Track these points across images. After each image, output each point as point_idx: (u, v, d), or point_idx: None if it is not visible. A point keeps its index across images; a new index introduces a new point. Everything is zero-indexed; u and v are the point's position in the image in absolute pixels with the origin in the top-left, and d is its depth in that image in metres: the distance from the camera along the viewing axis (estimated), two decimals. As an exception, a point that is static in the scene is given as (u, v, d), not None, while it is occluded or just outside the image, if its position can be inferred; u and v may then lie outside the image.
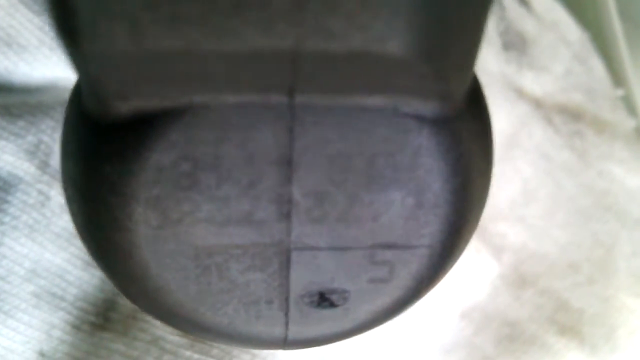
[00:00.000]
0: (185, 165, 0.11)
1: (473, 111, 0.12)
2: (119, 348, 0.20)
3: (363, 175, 0.11)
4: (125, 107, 0.10)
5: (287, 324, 0.13)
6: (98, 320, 0.21)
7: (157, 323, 0.21)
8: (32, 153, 0.21)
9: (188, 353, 0.20)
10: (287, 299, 0.13)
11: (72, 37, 0.09)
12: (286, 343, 0.13)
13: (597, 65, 0.32)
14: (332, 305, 0.13)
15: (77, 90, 0.12)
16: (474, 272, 0.26)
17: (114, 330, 0.21)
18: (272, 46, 0.09)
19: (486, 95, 0.13)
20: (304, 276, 0.12)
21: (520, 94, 0.30)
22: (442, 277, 0.13)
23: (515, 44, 0.30)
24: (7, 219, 0.21)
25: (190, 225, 0.11)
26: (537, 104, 0.30)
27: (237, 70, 0.10)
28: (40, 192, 0.21)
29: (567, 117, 0.30)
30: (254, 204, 0.11)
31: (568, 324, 0.27)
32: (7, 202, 0.21)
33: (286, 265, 0.12)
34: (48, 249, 0.21)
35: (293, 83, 0.10)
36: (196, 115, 0.11)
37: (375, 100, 0.11)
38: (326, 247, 0.12)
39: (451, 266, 0.13)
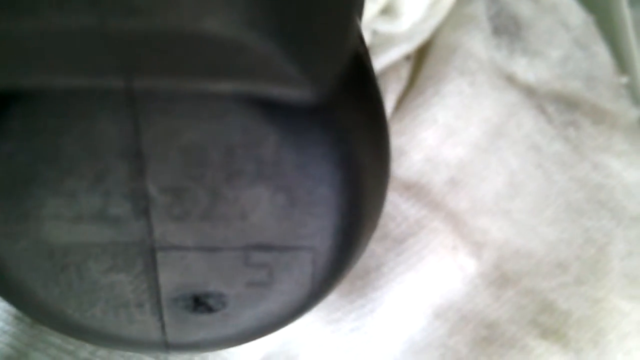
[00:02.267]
0: (23, 157, 0.10)
1: (354, 97, 0.11)
2: (55, 341, 0.20)
3: (222, 169, 0.10)
4: None
5: (163, 328, 0.12)
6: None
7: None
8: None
9: (122, 348, 0.20)
10: (158, 303, 0.12)
11: None
12: (168, 347, 0.13)
13: (601, 51, 0.30)
14: (210, 309, 0.12)
15: None
16: (449, 269, 0.25)
17: (53, 323, 0.20)
18: (74, 24, 0.08)
19: (376, 77, 0.12)
20: (174, 278, 0.12)
21: (510, 81, 0.28)
22: (334, 283, 0.12)
23: (508, 28, 0.29)
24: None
25: (37, 221, 0.11)
26: (529, 92, 0.28)
27: (61, 52, 0.09)
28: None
29: (562, 106, 0.28)
30: (106, 199, 0.10)
31: (552, 326, 0.25)
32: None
33: (152, 266, 0.11)
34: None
35: (127, 66, 0.09)
36: (32, 104, 0.10)
37: (225, 86, 0.10)
38: (194, 247, 0.11)
39: (345, 271, 0.12)
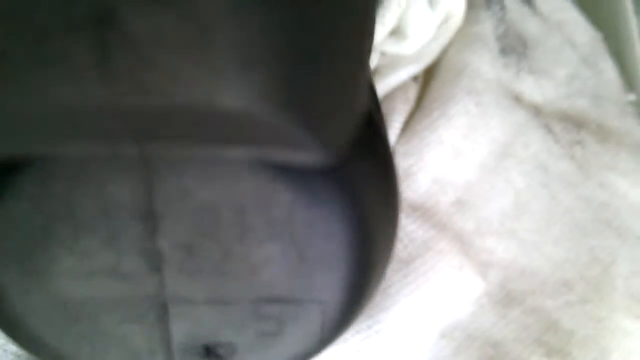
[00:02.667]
0: (38, 218, 0.10)
1: (366, 157, 0.11)
2: None
3: (234, 228, 0.11)
4: None
5: None
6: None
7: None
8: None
9: None
10: (170, 352, 0.12)
11: None
12: None
13: (608, 68, 0.30)
14: (219, 357, 0.12)
15: None
16: (456, 289, 0.25)
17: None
18: (85, 101, 0.09)
19: (384, 136, 0.12)
20: (186, 329, 0.12)
21: (517, 100, 0.28)
22: (343, 331, 0.13)
23: (515, 48, 0.29)
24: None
25: (52, 277, 0.11)
26: (536, 111, 0.28)
27: (74, 123, 0.09)
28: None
29: (568, 125, 0.28)
30: (119, 256, 0.11)
31: (557, 345, 0.25)
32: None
33: (164, 318, 0.12)
34: None
35: (138, 133, 0.10)
36: (46, 168, 0.10)
37: (235, 152, 0.10)
38: (204, 300, 0.12)
39: (353, 319, 0.13)
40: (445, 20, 0.28)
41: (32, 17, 0.08)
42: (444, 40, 0.28)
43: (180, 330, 0.12)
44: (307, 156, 0.10)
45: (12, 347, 0.21)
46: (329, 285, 0.12)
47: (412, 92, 0.28)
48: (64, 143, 0.10)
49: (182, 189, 0.10)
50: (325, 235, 0.11)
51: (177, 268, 0.11)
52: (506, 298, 0.26)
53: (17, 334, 0.12)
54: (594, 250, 0.27)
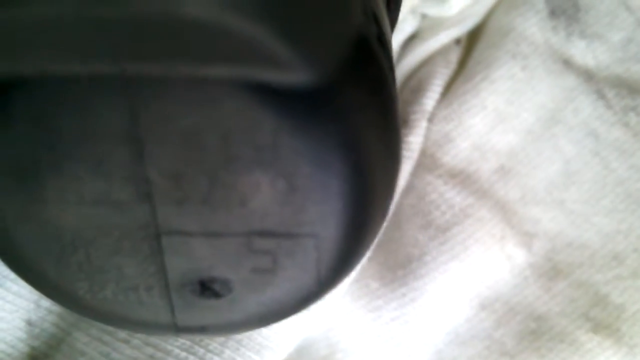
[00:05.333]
0: (27, 143, 0.10)
1: (357, 80, 0.11)
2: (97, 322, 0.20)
3: (220, 154, 0.10)
4: None
5: (172, 311, 0.12)
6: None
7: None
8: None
9: (159, 331, 0.20)
10: (166, 286, 0.12)
11: None
12: (177, 330, 0.13)
13: (668, 33, 0.29)
14: (216, 294, 0.12)
15: None
16: (496, 259, 0.24)
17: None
18: (58, 12, 0.08)
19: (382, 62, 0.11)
20: (181, 263, 0.12)
21: (567, 65, 0.27)
22: (343, 271, 0.12)
23: (566, 10, 0.27)
24: None
25: (43, 204, 0.11)
26: (588, 76, 0.27)
27: (55, 41, 0.09)
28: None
29: (623, 90, 0.27)
30: (108, 183, 0.11)
31: (605, 321, 0.24)
32: None
33: (158, 250, 0.11)
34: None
35: (117, 51, 0.09)
36: (28, 89, 0.10)
37: (218, 71, 0.10)
38: (197, 232, 0.11)
39: (354, 259, 0.12)
40: (491, -18, 0.27)
41: None
42: (488, 1, 0.27)
43: (175, 264, 0.12)
44: (291, 76, 0.10)
45: (45, 303, 0.21)
46: (323, 219, 0.11)
47: (455, 56, 0.27)
48: (47, 62, 0.10)
49: (164, 113, 0.10)
50: (315, 164, 0.10)
51: (167, 197, 0.11)
52: (552, 270, 0.25)
53: (20, 268, 0.12)
54: (649, 223, 0.25)
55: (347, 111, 0.10)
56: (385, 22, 0.13)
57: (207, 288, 0.12)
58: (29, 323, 0.21)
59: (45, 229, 0.11)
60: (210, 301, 0.12)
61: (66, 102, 0.10)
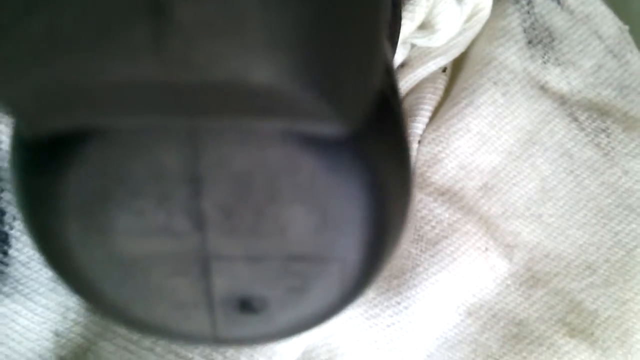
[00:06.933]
0: (99, 181, 0.12)
1: (381, 127, 0.13)
2: (122, 332, 0.22)
3: (265, 192, 0.12)
4: (41, 130, 0.12)
5: (214, 325, 0.14)
6: (108, 305, 0.23)
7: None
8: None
9: (180, 339, 0.22)
10: (211, 303, 0.14)
11: None
12: (217, 341, 0.15)
13: (634, 59, 0.31)
14: (254, 310, 0.14)
15: None
16: (481, 269, 0.27)
17: (120, 314, 0.23)
18: (141, 78, 0.10)
19: (402, 110, 0.14)
20: (225, 283, 0.14)
21: (543, 90, 0.29)
22: (362, 289, 0.14)
23: (542, 39, 0.30)
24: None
25: (111, 234, 0.13)
26: (562, 101, 0.29)
27: (129, 97, 0.11)
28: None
29: (594, 113, 0.29)
30: (169, 216, 0.13)
31: (580, 325, 0.26)
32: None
33: (207, 272, 0.13)
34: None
35: (186, 107, 0.11)
36: (105, 137, 0.12)
37: (268, 124, 0.12)
38: (241, 257, 0.13)
39: (369, 281, 0.14)
40: (473, 14, 0.29)
41: (97, 3, 0.10)
42: (471, 33, 0.29)
43: (221, 284, 0.14)
44: (328, 127, 0.12)
45: (72, 315, 0.23)
46: (348, 245, 0.13)
47: (441, 83, 0.29)
48: (123, 117, 0.12)
49: (222, 157, 0.12)
50: (345, 198, 0.13)
51: (218, 227, 0.13)
52: (531, 279, 0.27)
53: (79, 287, 0.14)
54: (618, 235, 0.28)
55: (371, 155, 0.13)
56: (393, 67, 0.15)
57: (246, 305, 0.14)
58: (56, 334, 0.23)
59: (109, 255, 0.13)
60: (248, 316, 0.14)
61: (139, 149, 0.12)
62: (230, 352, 0.21)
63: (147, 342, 0.22)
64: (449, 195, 0.27)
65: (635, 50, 0.31)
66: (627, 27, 0.32)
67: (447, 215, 0.27)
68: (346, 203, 0.13)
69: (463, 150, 0.28)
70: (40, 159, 0.12)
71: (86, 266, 0.13)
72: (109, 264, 0.13)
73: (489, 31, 0.29)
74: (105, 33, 0.10)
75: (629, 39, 0.31)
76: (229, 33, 0.10)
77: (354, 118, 0.12)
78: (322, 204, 0.13)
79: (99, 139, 0.12)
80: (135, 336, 0.22)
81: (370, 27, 0.11)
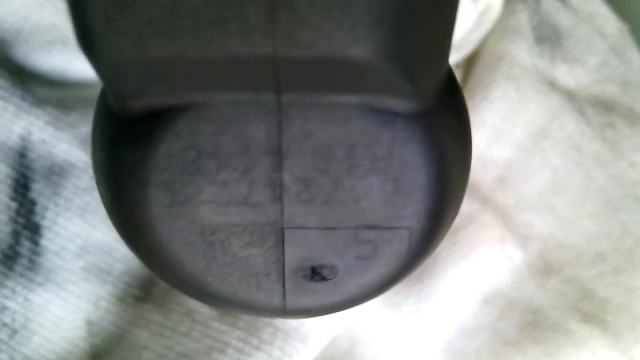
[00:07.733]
0: (189, 154, 0.13)
1: (447, 106, 0.14)
2: (157, 319, 0.22)
3: (344, 164, 0.13)
4: (138, 104, 0.12)
5: (284, 294, 0.15)
6: (140, 293, 0.23)
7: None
8: (84, 142, 0.24)
9: (217, 324, 0.22)
10: (283, 273, 0.14)
11: (89, 50, 0.11)
12: (285, 312, 0.15)
13: (635, 58, 0.32)
14: (323, 279, 0.14)
15: (103, 89, 0.14)
16: (498, 259, 0.27)
17: (153, 302, 0.23)
18: (252, 53, 0.11)
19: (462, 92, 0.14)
20: (297, 252, 0.14)
21: (552, 86, 0.30)
22: (423, 257, 0.15)
23: (549, 37, 0.31)
24: (61, 201, 0.23)
25: (195, 205, 0.13)
26: (570, 96, 0.30)
27: (229, 73, 0.12)
28: (91, 177, 0.24)
29: (600, 108, 0.30)
30: (250, 187, 0.13)
31: (592, 312, 0.27)
32: (61, 186, 0.23)
33: (281, 242, 0.14)
34: (98, 228, 0.23)
35: (278, 84, 0.12)
36: (198, 112, 0.12)
37: (350, 99, 0.12)
38: (315, 226, 0.14)
39: (432, 248, 0.15)
40: (485, 12, 0.30)
41: None
42: (483, 30, 0.30)
43: (293, 253, 0.14)
44: (406, 103, 0.13)
45: (104, 303, 0.23)
46: (415, 213, 0.14)
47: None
48: (218, 91, 0.12)
49: (305, 131, 0.13)
50: (415, 170, 0.13)
51: (295, 198, 0.13)
52: (545, 268, 0.28)
53: (155, 259, 0.14)
54: (626, 225, 0.29)
55: (440, 131, 0.13)
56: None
57: (316, 273, 0.14)
58: (89, 322, 0.23)
59: (190, 227, 0.14)
60: (317, 285, 0.15)
61: (228, 122, 0.12)
62: (267, 335, 0.22)
63: (184, 327, 0.22)
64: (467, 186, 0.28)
65: (635, 49, 0.32)
66: (627, 28, 0.33)
67: (465, 206, 0.27)
68: (416, 174, 0.13)
69: (479, 143, 0.28)
70: (132, 132, 0.13)
71: (167, 238, 0.14)
72: (189, 234, 0.14)
73: (500, 28, 0.30)
74: (225, 12, 0.10)
75: (629, 38, 0.33)
76: (332, 10, 0.11)
77: (428, 96, 0.13)
78: (395, 175, 0.13)
79: (192, 113, 0.12)
80: (170, 322, 0.22)
81: (451, 9, 0.12)
